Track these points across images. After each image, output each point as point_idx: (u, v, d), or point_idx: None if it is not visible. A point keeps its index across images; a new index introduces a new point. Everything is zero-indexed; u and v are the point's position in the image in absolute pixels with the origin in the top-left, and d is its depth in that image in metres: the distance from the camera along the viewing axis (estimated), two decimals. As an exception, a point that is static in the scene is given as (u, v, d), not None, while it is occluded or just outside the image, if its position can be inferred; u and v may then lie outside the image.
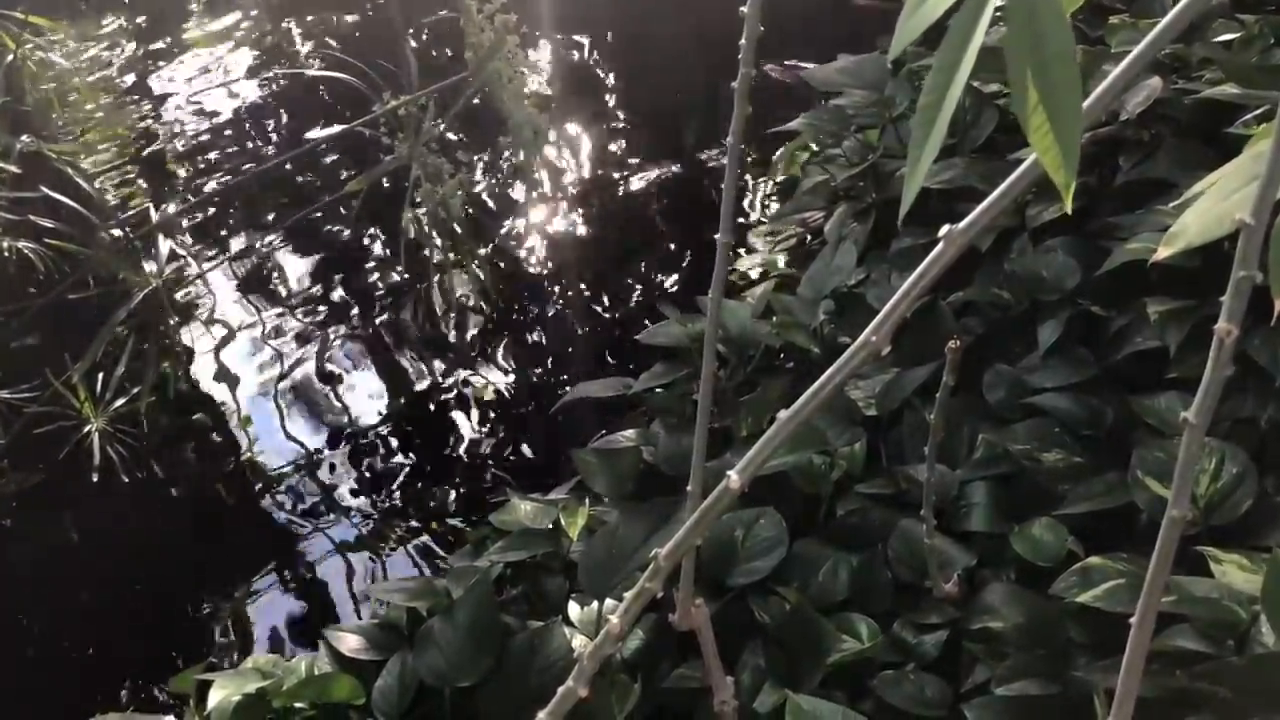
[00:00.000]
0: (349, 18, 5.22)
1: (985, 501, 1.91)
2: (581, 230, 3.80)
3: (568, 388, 2.70)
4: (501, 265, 3.65)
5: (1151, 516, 1.70)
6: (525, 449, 3.01)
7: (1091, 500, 1.80)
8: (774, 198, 3.61)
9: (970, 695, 1.64)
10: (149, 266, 3.21)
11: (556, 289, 3.54)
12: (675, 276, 3.52)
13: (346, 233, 3.89)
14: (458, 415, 3.14)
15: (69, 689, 2.48)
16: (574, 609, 1.92)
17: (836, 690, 1.68)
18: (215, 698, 1.80)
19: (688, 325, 2.45)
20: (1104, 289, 2.07)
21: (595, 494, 2.19)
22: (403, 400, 3.21)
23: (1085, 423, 1.94)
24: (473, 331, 3.42)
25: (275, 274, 3.76)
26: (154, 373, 2.96)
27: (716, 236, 1.19)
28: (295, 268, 3.78)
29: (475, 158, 4.18)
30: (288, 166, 4.04)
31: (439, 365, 3.31)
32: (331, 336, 3.45)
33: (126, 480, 2.77)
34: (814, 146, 3.07)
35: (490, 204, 3.96)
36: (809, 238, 3.06)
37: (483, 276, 3.34)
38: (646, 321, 2.76)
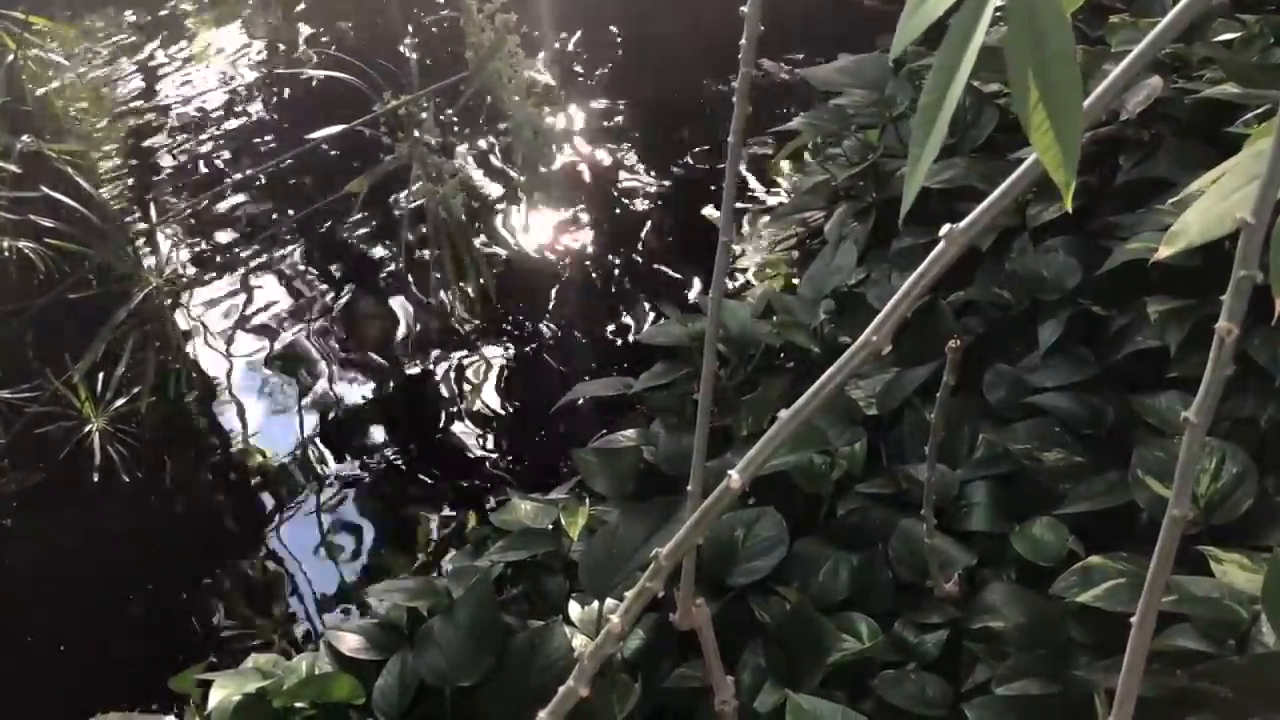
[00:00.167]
0: (347, 22, 5.23)
1: (986, 501, 1.91)
2: (581, 230, 3.80)
3: (568, 388, 2.69)
4: (501, 266, 3.65)
5: (1152, 516, 1.70)
6: (525, 449, 3.01)
7: (1092, 500, 1.80)
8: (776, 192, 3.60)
9: (971, 695, 1.64)
10: (149, 264, 3.21)
11: (556, 289, 3.54)
12: (676, 277, 3.52)
13: (346, 233, 3.89)
14: (458, 415, 3.14)
15: (69, 689, 2.48)
16: (574, 608, 1.92)
17: (837, 690, 1.68)
18: (215, 697, 1.80)
19: (688, 325, 2.45)
20: (1104, 288, 2.07)
21: (595, 493, 2.19)
22: (403, 400, 3.21)
23: (1086, 422, 1.94)
24: (472, 331, 3.42)
25: (275, 274, 3.76)
26: (154, 372, 2.96)
27: (719, 233, 1.19)
28: (295, 268, 3.79)
29: (475, 156, 4.18)
30: (288, 164, 4.04)
31: (439, 365, 3.31)
32: (332, 337, 3.45)
33: (127, 480, 2.76)
34: (811, 147, 3.07)
35: (489, 204, 3.96)
36: (809, 238, 3.06)
37: (482, 277, 3.34)
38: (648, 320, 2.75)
